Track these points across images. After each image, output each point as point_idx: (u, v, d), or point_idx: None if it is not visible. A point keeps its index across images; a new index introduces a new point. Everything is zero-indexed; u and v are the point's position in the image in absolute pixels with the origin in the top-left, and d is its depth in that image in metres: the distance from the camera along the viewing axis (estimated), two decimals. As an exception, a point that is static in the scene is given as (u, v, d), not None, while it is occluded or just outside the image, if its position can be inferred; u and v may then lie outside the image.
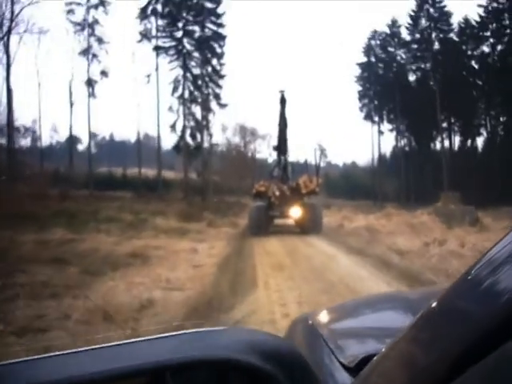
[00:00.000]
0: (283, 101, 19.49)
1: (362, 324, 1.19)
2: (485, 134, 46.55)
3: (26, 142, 38.31)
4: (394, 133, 49.97)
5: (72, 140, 36.90)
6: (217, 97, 36.13)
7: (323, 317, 1.23)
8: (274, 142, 22.11)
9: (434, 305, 0.49)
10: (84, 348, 0.63)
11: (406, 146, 50.31)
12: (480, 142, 46.51)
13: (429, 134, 48.03)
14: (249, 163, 48.34)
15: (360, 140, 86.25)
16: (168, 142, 49.26)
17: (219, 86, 36.26)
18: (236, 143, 45.90)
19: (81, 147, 75.94)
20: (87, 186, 33.30)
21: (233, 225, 19.19)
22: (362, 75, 48.40)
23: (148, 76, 34.54)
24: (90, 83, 32.63)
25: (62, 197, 25.77)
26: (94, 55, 32.28)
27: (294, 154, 57.01)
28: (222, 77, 36.22)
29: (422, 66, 43.33)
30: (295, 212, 16.46)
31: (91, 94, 33.10)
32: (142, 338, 0.66)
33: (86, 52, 31.72)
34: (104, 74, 32.67)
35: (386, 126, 49.54)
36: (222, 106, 36.19)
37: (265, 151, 47.67)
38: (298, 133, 64.16)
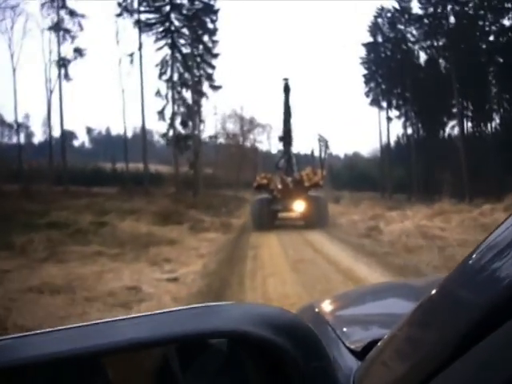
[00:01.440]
0: (287, 89, 18.23)
1: (367, 311, 1.18)
2: (497, 119, 41.47)
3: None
4: (402, 119, 45.05)
5: (50, 132, 31.75)
6: (209, 78, 31.05)
7: (329, 304, 1.21)
8: (275, 132, 22.10)
9: (435, 291, 0.49)
10: (91, 322, 0.61)
11: (414, 133, 45.08)
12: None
13: (440, 120, 43.03)
14: (248, 154, 43.83)
15: (363, 129, 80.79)
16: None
17: (212, 66, 31.20)
18: (233, 132, 40.95)
19: (76, 143, 71.15)
20: (65, 182, 28.32)
21: (224, 227, 14.27)
22: (368, 57, 43.23)
23: (131, 55, 29.50)
24: (62, 63, 27.52)
25: (22, 193, 20.85)
26: (66, 30, 27.13)
27: (301, 146, 51.88)
28: (214, 56, 31.14)
29: (435, 43, 38.01)
30: (299, 205, 15.34)
31: (64, 76, 28.01)
32: (153, 312, 0.63)
33: (56, 27, 26.56)
34: (78, 52, 27.58)
35: (392, 113, 44.47)
36: (216, 88, 31.16)
37: (265, 142, 42.99)
38: (303, 123, 58.83)
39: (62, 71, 27.67)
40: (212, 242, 10.51)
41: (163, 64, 31.68)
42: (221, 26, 33.38)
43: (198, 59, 31.72)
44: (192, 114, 31.34)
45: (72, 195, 24.14)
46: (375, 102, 43.98)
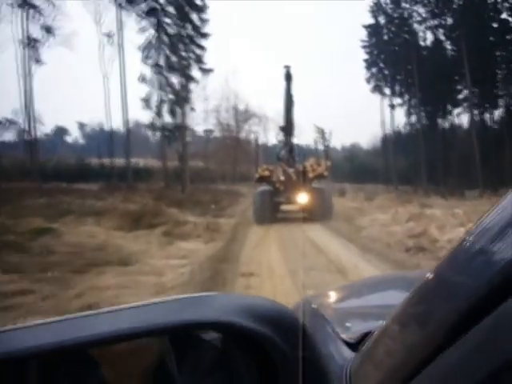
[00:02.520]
0: (289, 77, 16.98)
1: (363, 303, 1.17)
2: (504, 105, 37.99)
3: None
4: (405, 107, 41.55)
5: (30, 125, 28.26)
6: (199, 60, 27.38)
7: (324, 298, 1.18)
8: (272, 124, 20.28)
9: (427, 278, 0.49)
10: (83, 313, 0.61)
11: (418, 121, 41.54)
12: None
13: (445, 107, 39.63)
14: (244, 146, 40.40)
15: (361, 120, 76.70)
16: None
17: (201, 48, 27.53)
18: (227, 122, 37.38)
19: (69, 139, 67.15)
20: (36, 178, 24.79)
21: (210, 232, 10.68)
22: (369, 40, 39.64)
23: (109, 36, 25.84)
24: (31, 45, 23.77)
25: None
26: (32, 6, 23.25)
27: (299, 137, 48.14)
28: (204, 36, 27.47)
29: (443, 23, 34.39)
30: (302, 197, 14.25)
31: (36, 61, 24.28)
32: (141, 303, 0.62)
33: (22, 3, 22.76)
34: (48, 30, 23.80)
35: (395, 100, 40.99)
36: (206, 71, 27.52)
37: (262, 133, 39.53)
38: (300, 113, 55.06)
39: (32, 58, 23.80)
40: (186, 260, 7.03)
41: (148, 46, 28.05)
42: (212, 3, 29.56)
43: (187, 40, 28.05)
44: (180, 101, 27.73)
45: (41, 193, 20.59)
46: (377, 89, 40.53)
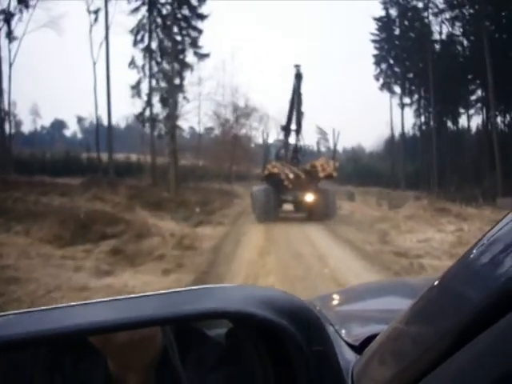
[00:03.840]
0: (299, 76, 16.49)
1: (365, 307, 1.16)
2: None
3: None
4: (414, 107, 38.08)
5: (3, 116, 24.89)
6: (194, 44, 23.90)
7: (328, 301, 1.18)
8: (273, 122, 21.45)
9: (432, 286, 0.49)
10: (101, 299, 0.59)
11: (428, 122, 38.15)
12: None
13: (456, 108, 36.23)
14: (243, 144, 36.97)
15: (364, 121, 72.96)
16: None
17: (197, 30, 24.06)
18: (225, 117, 33.79)
19: (68, 132, 63.76)
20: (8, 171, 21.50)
21: (182, 251, 7.10)
22: (379, 34, 36.21)
23: (95, 12, 22.40)
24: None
25: None
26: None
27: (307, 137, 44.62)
28: (201, 17, 24.01)
29: (464, 12, 30.91)
30: (309, 197, 13.98)
31: (7, 35, 20.80)
32: (162, 292, 0.61)
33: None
34: (23, 3, 20.27)
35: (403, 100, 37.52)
36: (202, 56, 24.06)
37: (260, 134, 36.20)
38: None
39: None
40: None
41: (139, 29, 24.63)
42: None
43: (182, 22, 24.62)
44: (172, 89, 24.27)
45: (5, 187, 17.15)
46: (386, 87, 37.13)
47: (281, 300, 0.61)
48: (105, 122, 31.10)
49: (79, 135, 63.07)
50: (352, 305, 1.21)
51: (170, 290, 0.61)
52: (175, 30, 24.09)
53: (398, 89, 37.01)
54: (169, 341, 0.63)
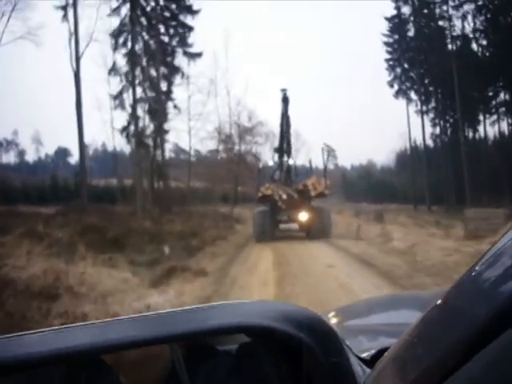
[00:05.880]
0: (286, 100, 16.62)
1: (374, 321, 1.14)
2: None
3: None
4: (431, 115, 33.23)
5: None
6: (183, 42, 19.48)
7: (337, 316, 1.15)
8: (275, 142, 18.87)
9: (440, 301, 0.49)
10: (97, 321, 0.58)
11: (446, 131, 33.38)
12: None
13: (477, 114, 31.49)
14: (249, 162, 32.34)
15: (375, 136, 67.98)
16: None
17: (186, 27, 19.66)
18: (227, 133, 28.97)
19: (72, 160, 60.12)
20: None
21: None
22: (391, 35, 31.83)
23: (64, 8, 18.12)
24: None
25: None
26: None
27: (300, 156, 39.85)
28: (191, 11, 19.64)
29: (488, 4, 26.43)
30: (303, 216, 14.03)
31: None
32: (182, 308, 0.61)
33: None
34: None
35: (418, 108, 32.72)
36: (193, 55, 19.61)
37: (268, 153, 31.74)
38: (302, 131, 46.19)
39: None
40: None
41: (121, 30, 20.36)
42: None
43: (169, 21, 20.32)
44: (161, 99, 19.85)
45: None
46: (402, 93, 32.56)
47: (298, 314, 0.60)
48: (109, 148, 26.98)
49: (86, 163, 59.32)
50: (362, 319, 1.18)
51: (190, 307, 0.60)
52: (162, 29, 19.75)
53: (414, 96, 32.47)
54: (176, 357, 0.62)
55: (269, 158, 31.48)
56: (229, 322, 0.57)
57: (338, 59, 67.26)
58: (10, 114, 49.71)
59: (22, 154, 48.31)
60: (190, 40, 19.56)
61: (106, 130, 20.66)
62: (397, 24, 31.22)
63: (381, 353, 0.63)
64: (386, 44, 32.03)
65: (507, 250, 0.41)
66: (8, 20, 17.48)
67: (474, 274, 0.44)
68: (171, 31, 20.18)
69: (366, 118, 65.36)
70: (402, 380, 0.50)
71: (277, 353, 0.61)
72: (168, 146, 21.98)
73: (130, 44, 20.50)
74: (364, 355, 0.69)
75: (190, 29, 19.53)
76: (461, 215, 18.51)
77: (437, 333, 0.47)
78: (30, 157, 47.42)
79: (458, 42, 28.93)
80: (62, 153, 58.84)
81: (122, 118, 20.94)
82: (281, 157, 17.06)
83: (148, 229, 11.16)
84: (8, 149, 46.73)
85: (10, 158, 45.18)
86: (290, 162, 17.13)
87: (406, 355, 0.52)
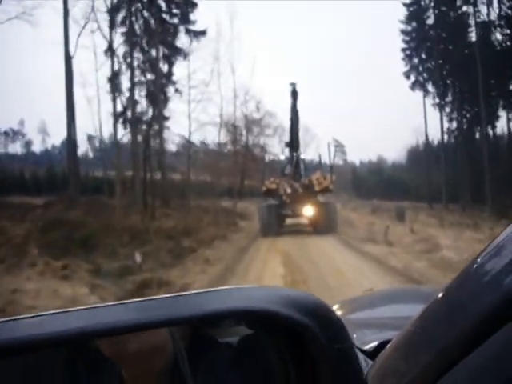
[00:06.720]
0: (295, 93, 16.50)
1: (377, 314, 1.15)
2: None
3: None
4: (445, 109, 30.87)
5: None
6: (185, 19, 17.42)
7: (340, 309, 1.12)
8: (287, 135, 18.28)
9: (440, 295, 0.49)
10: (123, 301, 0.55)
11: (463, 126, 31.15)
12: None
13: (497, 108, 29.09)
14: (255, 157, 30.56)
15: (386, 132, 65.37)
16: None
17: (191, 3, 17.55)
18: (232, 122, 26.82)
19: (79, 151, 58.88)
20: None
21: None
22: (408, 22, 29.61)
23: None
24: None
25: None
26: None
27: (308, 152, 37.65)
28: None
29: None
30: (308, 210, 13.90)
31: None
32: (186, 293, 0.59)
33: None
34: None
35: (434, 100, 30.43)
36: (196, 34, 17.54)
37: (276, 146, 29.74)
38: (311, 126, 43.57)
39: None
40: None
41: (118, 7, 18.34)
42: None
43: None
44: (160, 83, 17.85)
45: None
46: (419, 85, 30.28)
47: (302, 299, 0.60)
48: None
49: (90, 154, 57.91)
50: (364, 312, 1.18)
51: (192, 292, 0.59)
52: (161, 3, 17.70)
53: (431, 88, 30.21)
54: (178, 348, 0.60)
55: (277, 151, 29.90)
56: (233, 305, 0.56)
57: (350, 49, 64.69)
58: (16, 103, 48.01)
59: (28, 144, 46.86)
60: (192, 17, 17.50)
61: (109, 119, 18.67)
62: (416, 10, 28.97)
63: (383, 345, 0.62)
64: (403, 32, 29.81)
65: (509, 243, 0.41)
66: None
67: (475, 266, 0.44)
68: (173, 8, 18.09)
69: (376, 114, 62.92)
70: (404, 372, 0.50)
71: (281, 340, 0.60)
72: (170, 137, 19.92)
73: (128, 22, 18.50)
74: (366, 347, 0.68)
75: (194, 4, 17.46)
76: (493, 216, 16.42)
77: (438, 325, 0.47)
78: (37, 147, 46.24)
79: (481, 31, 26.61)
80: (73, 145, 57.40)
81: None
82: (292, 151, 16.81)
83: (133, 225, 9.16)
84: (14, 139, 45.34)
85: (17, 148, 43.93)
86: (300, 156, 16.90)
87: (408, 347, 0.52)
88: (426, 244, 7.66)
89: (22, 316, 0.52)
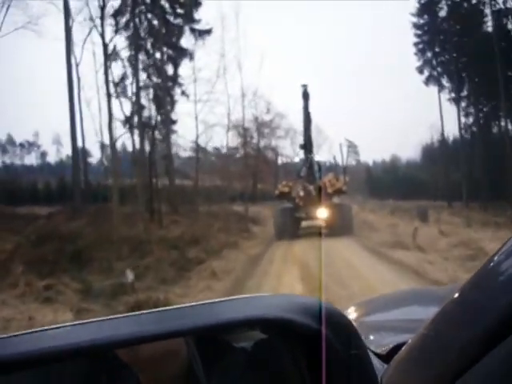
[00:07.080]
0: (306, 95, 16.27)
1: (390, 317, 1.11)
2: None
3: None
4: (461, 104, 29.59)
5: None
6: (188, 17, 16.70)
7: (353, 311, 1.12)
8: (300, 137, 18.51)
9: (456, 296, 0.48)
10: (105, 317, 0.55)
11: (479, 121, 29.86)
12: None
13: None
14: (267, 160, 29.64)
15: (399, 132, 63.80)
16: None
17: (195, 2, 16.84)
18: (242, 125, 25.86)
19: (93, 161, 58.80)
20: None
21: None
22: (420, 15, 28.53)
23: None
24: None
25: None
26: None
27: (324, 153, 36.59)
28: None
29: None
30: (322, 213, 13.43)
31: None
32: (202, 302, 0.60)
33: None
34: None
35: (449, 95, 29.22)
36: (201, 33, 16.80)
37: (288, 147, 28.92)
38: (324, 127, 42.43)
39: None
40: None
41: (122, 10, 17.74)
42: None
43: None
44: (167, 85, 17.17)
45: None
46: (433, 80, 29.10)
47: (316, 307, 0.59)
48: (129, 148, 24.07)
49: (105, 163, 57.64)
50: (377, 315, 1.15)
51: (209, 301, 0.59)
52: (164, 4, 17.03)
53: (446, 83, 29.05)
54: (193, 352, 0.61)
55: (290, 153, 29.14)
56: (249, 314, 0.56)
57: (361, 46, 63.43)
58: (30, 115, 48.14)
59: (43, 155, 47.01)
60: (197, 16, 16.78)
61: (116, 125, 18.01)
62: (427, 3, 27.90)
63: (397, 348, 0.62)
64: (415, 26, 28.73)
65: None
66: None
67: (490, 267, 0.43)
68: (177, 8, 17.39)
69: (389, 114, 61.45)
70: (419, 375, 0.49)
71: (296, 347, 0.60)
72: (178, 140, 19.14)
73: (132, 25, 17.87)
74: (380, 351, 0.67)
75: (198, 3, 16.73)
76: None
77: (453, 327, 0.46)
78: (52, 158, 46.40)
79: (498, 20, 25.40)
80: (83, 154, 57.29)
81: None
82: (306, 153, 16.63)
83: (135, 235, 8.38)
84: (30, 150, 45.55)
85: (32, 159, 44.20)
86: (314, 158, 16.68)
87: (423, 350, 0.51)
88: (467, 249, 6.63)
89: (39, 329, 0.51)
